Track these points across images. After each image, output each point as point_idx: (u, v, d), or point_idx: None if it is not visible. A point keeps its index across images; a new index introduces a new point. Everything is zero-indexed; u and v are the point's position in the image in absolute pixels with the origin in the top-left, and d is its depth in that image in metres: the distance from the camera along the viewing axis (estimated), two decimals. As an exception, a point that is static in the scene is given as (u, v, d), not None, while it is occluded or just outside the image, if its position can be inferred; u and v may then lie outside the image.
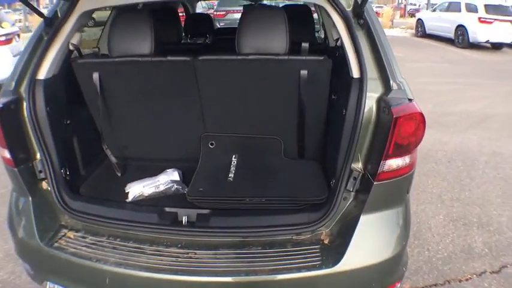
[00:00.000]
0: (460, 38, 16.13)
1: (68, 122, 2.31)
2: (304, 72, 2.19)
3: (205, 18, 4.87)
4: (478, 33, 15.27)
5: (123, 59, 2.25)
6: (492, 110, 7.24)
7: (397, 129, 1.74)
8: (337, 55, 2.25)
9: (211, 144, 2.59)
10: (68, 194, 2.10)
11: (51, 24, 2.17)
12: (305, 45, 2.23)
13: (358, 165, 1.92)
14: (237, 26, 2.23)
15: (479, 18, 15.20)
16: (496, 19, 15.15)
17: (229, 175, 2.41)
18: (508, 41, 15.66)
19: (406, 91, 1.87)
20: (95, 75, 2.28)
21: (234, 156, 2.57)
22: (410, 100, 1.82)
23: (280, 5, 4.05)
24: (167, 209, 2.07)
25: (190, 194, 2.18)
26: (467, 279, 2.85)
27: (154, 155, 2.65)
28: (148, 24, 2.26)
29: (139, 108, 2.47)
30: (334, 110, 2.32)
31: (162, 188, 2.30)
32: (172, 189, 2.31)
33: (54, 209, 2.10)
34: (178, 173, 2.42)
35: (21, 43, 8.00)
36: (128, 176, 2.46)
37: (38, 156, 2.09)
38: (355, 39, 1.95)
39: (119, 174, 2.51)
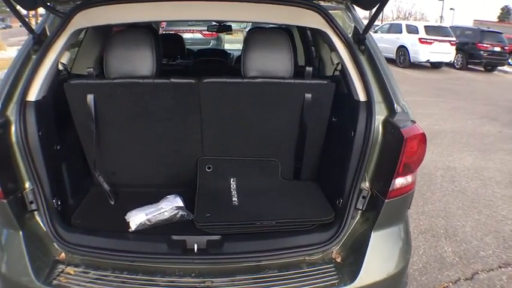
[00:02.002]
0: (402, 58, 17.02)
1: (58, 147, 2.17)
2: (308, 95, 2.23)
3: (178, 39, 4.76)
4: (419, 53, 16.20)
5: (123, 81, 2.15)
6: (440, 127, 7.78)
7: (406, 150, 1.81)
8: (336, 79, 2.30)
9: (209, 168, 2.51)
10: (61, 226, 1.96)
11: (40, 42, 2.02)
12: (309, 69, 2.26)
13: (365, 185, 2.01)
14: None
15: (420, 39, 16.15)
16: (435, 39, 16.13)
17: (233, 199, 2.38)
18: (447, 60, 16.71)
19: (409, 113, 1.98)
20: (89, 97, 2.15)
21: (232, 179, 2.52)
22: (413, 122, 1.91)
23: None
24: (175, 237, 1.96)
25: (199, 221, 2.11)
26: (444, 288, 3.07)
27: (148, 180, 2.52)
28: (149, 43, 2.18)
29: (134, 132, 2.37)
30: (336, 132, 2.34)
31: (167, 215, 2.19)
32: (178, 216, 2.21)
33: (45, 243, 1.95)
34: (181, 199, 2.32)
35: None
36: (121, 204, 2.32)
37: (27, 185, 1.92)
38: (360, 65, 2.01)
39: (112, 202, 2.36)
